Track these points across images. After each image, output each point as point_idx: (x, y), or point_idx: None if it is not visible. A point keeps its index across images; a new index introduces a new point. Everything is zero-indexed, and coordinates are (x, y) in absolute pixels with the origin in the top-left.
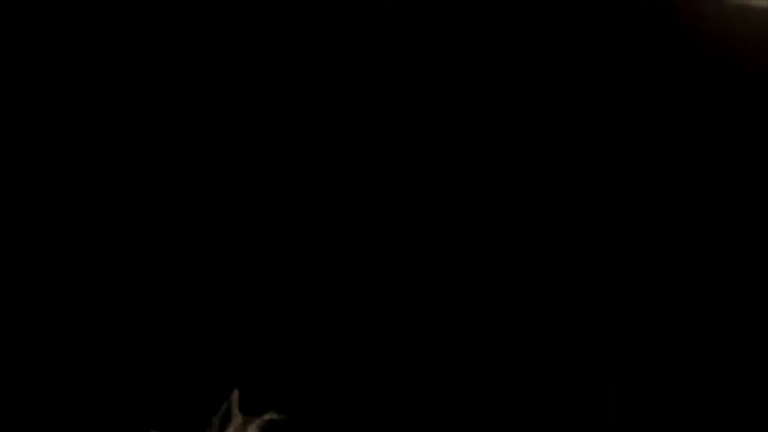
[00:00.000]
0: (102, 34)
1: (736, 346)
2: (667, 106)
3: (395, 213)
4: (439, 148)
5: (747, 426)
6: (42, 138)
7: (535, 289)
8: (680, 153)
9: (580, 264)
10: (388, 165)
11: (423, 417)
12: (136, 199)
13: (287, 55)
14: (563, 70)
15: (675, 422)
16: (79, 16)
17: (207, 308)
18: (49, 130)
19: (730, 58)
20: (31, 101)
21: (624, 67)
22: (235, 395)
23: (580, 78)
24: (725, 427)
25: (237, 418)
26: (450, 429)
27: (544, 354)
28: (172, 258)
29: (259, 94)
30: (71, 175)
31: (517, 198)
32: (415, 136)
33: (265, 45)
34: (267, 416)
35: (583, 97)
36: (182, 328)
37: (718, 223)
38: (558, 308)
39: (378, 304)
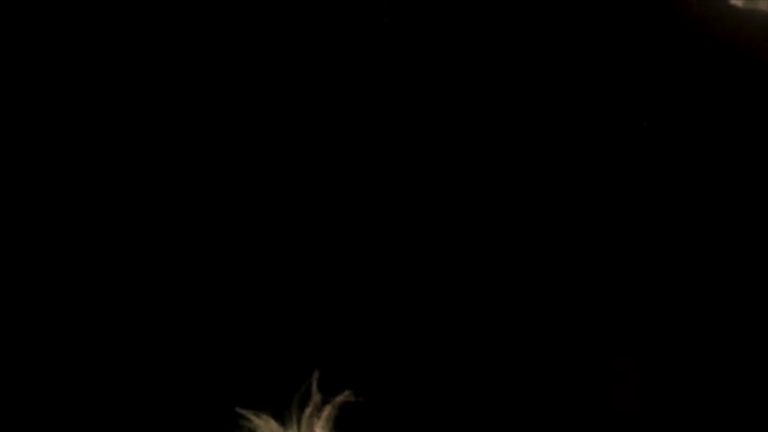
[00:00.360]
0: (101, 34)
1: (737, 349)
2: (671, 108)
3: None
4: (439, 147)
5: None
6: (41, 138)
7: (536, 291)
8: (683, 155)
9: (582, 265)
10: (389, 165)
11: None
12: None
13: (286, 55)
14: (565, 73)
15: (675, 423)
16: (79, 15)
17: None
18: (48, 130)
19: (736, 61)
20: (30, 101)
21: (627, 69)
22: (316, 376)
23: (582, 80)
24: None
25: (316, 397)
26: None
27: (544, 356)
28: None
29: (257, 94)
30: (71, 175)
31: (518, 198)
32: (414, 136)
33: (263, 45)
34: (343, 397)
35: (585, 100)
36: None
37: (721, 224)
38: (559, 310)
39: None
